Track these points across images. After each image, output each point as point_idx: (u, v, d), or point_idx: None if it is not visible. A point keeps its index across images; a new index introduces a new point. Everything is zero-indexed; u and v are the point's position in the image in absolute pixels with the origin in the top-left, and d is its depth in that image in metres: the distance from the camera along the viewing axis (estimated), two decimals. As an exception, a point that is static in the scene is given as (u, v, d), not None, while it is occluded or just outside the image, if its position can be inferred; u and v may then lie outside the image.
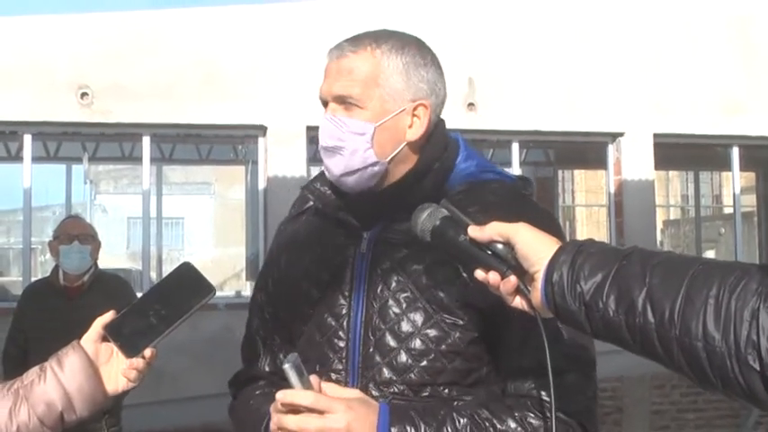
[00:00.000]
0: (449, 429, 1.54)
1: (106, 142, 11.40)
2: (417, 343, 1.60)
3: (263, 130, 8.23)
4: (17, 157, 9.67)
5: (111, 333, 1.60)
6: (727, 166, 9.93)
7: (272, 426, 1.54)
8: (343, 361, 1.65)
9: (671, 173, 22.07)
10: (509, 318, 1.49)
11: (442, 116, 1.76)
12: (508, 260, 1.39)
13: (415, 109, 1.66)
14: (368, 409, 1.53)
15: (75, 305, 4.33)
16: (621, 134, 8.98)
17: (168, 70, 7.99)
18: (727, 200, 20.90)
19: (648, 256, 1.28)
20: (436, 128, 1.72)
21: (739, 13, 9.26)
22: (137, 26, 8.15)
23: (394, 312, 1.62)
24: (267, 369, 1.82)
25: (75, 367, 1.56)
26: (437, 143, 1.71)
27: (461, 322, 1.60)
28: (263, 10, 8.43)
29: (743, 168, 10.09)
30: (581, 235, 25.13)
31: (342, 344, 1.66)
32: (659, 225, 20.72)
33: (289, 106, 8.03)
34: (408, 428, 1.52)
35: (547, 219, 1.66)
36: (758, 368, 1.12)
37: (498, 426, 1.54)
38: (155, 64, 7.97)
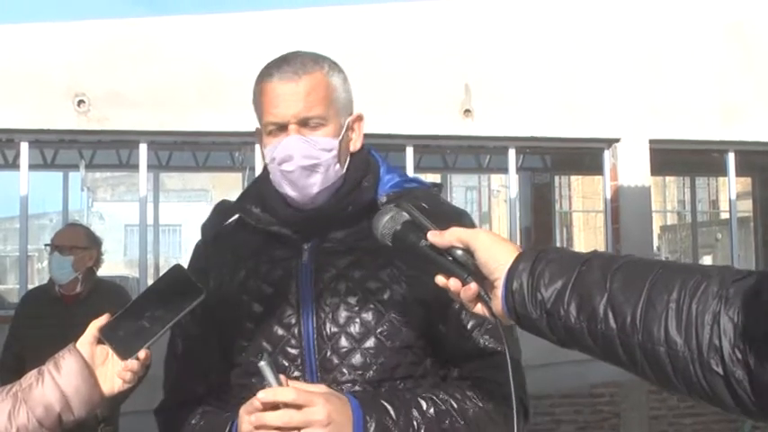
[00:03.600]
0: (414, 413, 1.63)
1: (103, 150, 11.41)
2: (371, 342, 1.68)
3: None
4: (14, 165, 9.69)
5: (105, 336, 1.63)
6: (723, 171, 9.95)
7: (246, 427, 1.56)
8: (300, 368, 1.69)
9: (667, 178, 22.13)
10: (449, 305, 1.64)
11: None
12: (468, 266, 1.39)
13: (354, 121, 1.78)
14: (341, 400, 1.58)
15: (72, 313, 4.31)
16: (618, 140, 9.00)
17: (165, 78, 8.00)
18: (724, 205, 20.96)
19: (608, 261, 1.28)
20: None
21: (736, 19, 9.29)
22: (133, 34, 8.16)
23: (346, 315, 1.69)
24: (199, 391, 1.82)
25: (71, 370, 1.59)
26: (363, 154, 1.82)
27: (410, 318, 1.69)
28: (259, 18, 8.44)
29: (739, 174, 10.12)
30: (578, 240, 25.16)
31: (295, 351, 1.70)
32: (656, 230, 20.75)
33: (285, 113, 8.03)
34: (382, 417, 1.59)
35: (463, 215, 1.80)
36: (721, 372, 1.12)
37: (454, 404, 1.66)
38: (151, 71, 7.98)
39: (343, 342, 1.68)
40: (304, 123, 1.69)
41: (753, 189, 12.94)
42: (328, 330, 1.69)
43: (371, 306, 1.69)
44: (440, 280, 1.42)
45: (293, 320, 1.71)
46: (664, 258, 25.58)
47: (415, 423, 1.62)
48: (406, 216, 1.49)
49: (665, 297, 1.18)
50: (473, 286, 1.38)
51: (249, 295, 1.75)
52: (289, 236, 1.75)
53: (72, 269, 4.53)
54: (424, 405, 1.64)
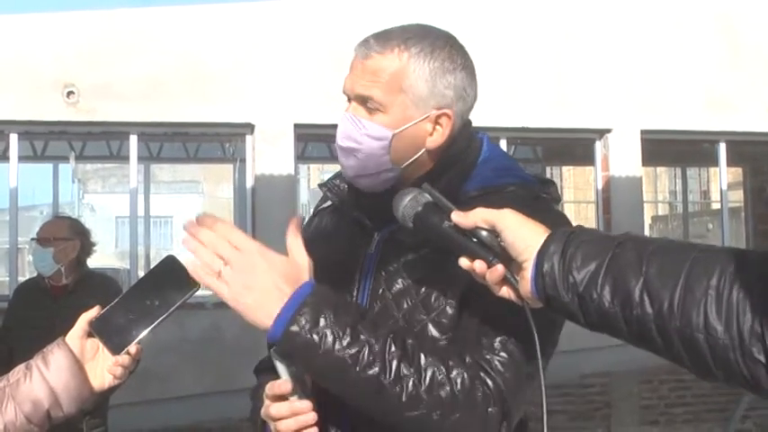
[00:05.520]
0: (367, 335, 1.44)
1: (93, 141, 11.36)
2: None
3: (250, 128, 8.21)
4: (3, 157, 9.62)
5: (96, 329, 1.58)
6: (714, 161, 9.94)
7: (262, 411, 1.55)
8: None
9: (659, 169, 22.13)
10: (480, 294, 1.43)
11: None
12: (493, 248, 1.35)
13: (438, 117, 1.60)
14: None
15: (61, 305, 4.29)
16: (609, 130, 8.99)
17: (155, 68, 7.95)
18: (715, 195, 20.98)
19: (643, 244, 1.25)
20: (460, 131, 1.67)
21: (726, 9, 9.28)
22: (123, 24, 8.11)
23: (392, 315, 1.59)
24: None
25: (60, 365, 1.55)
26: (457, 146, 1.66)
27: (452, 324, 1.56)
28: (249, 7, 8.39)
29: (730, 164, 10.11)
30: (569, 231, 25.11)
31: None
32: (647, 221, 20.77)
33: (276, 104, 8.01)
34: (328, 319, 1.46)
35: (557, 224, 1.59)
36: (764, 360, 1.10)
37: (421, 357, 1.45)
38: (141, 62, 7.93)
39: None
40: (363, 102, 1.59)
41: (744, 179, 12.92)
42: None
43: (417, 310, 1.57)
44: (464, 262, 1.37)
45: None
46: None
47: (365, 350, 1.43)
48: (427, 197, 1.45)
49: (704, 282, 1.15)
50: (499, 268, 1.34)
51: (324, 277, 1.67)
52: (364, 222, 1.68)
53: (53, 261, 4.48)
54: (388, 342, 1.44)
